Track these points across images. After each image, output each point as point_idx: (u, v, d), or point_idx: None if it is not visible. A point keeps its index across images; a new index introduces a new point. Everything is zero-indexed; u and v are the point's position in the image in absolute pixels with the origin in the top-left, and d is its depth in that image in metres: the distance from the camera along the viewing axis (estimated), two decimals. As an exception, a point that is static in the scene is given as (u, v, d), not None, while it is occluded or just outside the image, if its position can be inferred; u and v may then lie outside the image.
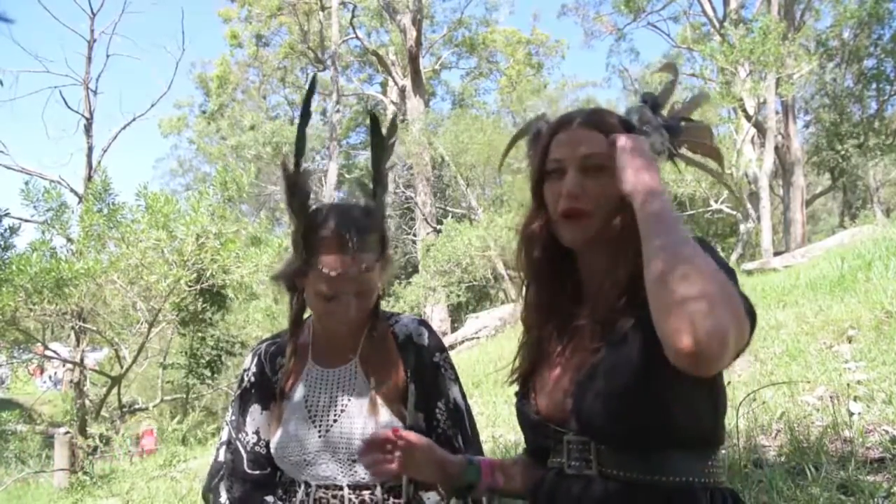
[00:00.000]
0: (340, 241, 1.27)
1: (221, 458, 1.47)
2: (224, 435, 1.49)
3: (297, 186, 1.32)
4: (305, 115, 1.39)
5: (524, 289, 1.16)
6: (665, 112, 1.10)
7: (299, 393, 1.41)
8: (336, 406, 1.38)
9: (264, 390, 1.45)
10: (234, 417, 1.47)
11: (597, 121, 1.06)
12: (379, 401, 1.36)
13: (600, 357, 0.99)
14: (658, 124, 1.06)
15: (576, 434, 1.02)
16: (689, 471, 0.96)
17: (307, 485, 1.38)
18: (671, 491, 0.95)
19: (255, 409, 1.44)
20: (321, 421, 1.37)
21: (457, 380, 1.45)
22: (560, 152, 1.06)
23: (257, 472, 1.42)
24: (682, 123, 1.09)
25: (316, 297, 1.33)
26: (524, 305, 1.17)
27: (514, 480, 1.20)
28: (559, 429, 1.04)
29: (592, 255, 1.07)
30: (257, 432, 1.43)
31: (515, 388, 1.17)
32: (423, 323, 1.47)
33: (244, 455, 1.42)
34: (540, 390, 1.10)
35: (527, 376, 1.14)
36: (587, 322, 1.04)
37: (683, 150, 1.10)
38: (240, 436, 1.44)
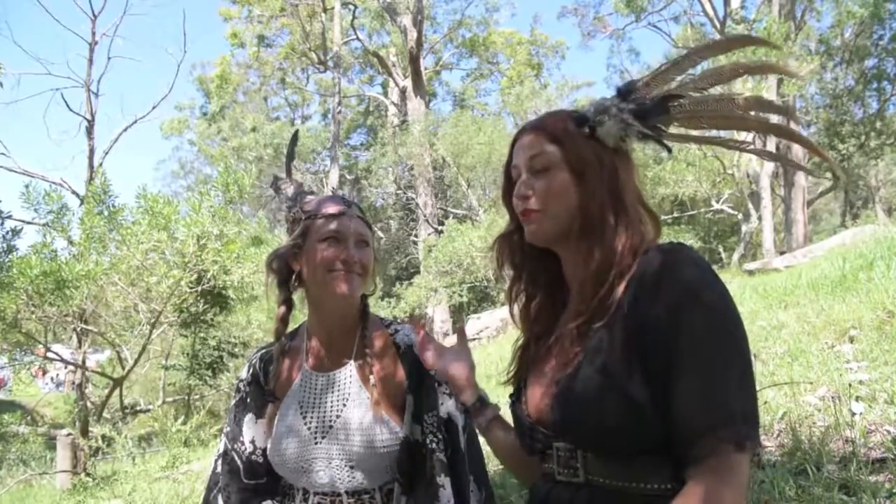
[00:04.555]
0: (335, 198, 1.43)
1: (219, 469, 1.46)
2: (221, 446, 1.48)
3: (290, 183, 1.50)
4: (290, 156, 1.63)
5: (510, 294, 1.18)
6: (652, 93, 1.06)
7: (294, 398, 1.40)
8: (332, 411, 1.37)
9: (259, 399, 1.44)
10: (229, 428, 1.46)
11: (542, 124, 1.09)
12: (377, 406, 1.35)
13: (577, 364, 0.98)
14: (617, 112, 1.04)
15: (563, 441, 1.01)
16: (675, 476, 0.93)
17: (305, 491, 1.37)
18: (658, 497, 0.93)
19: (250, 417, 1.43)
20: (318, 427, 1.36)
21: (453, 394, 1.42)
22: (516, 159, 1.10)
23: (254, 481, 1.41)
24: (671, 104, 1.04)
25: (321, 252, 1.35)
26: (514, 310, 1.19)
27: (507, 445, 1.19)
28: (549, 434, 1.04)
29: (568, 256, 1.08)
30: (253, 441, 1.42)
31: (510, 389, 1.17)
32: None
33: (240, 465, 1.41)
34: (529, 394, 1.10)
35: (519, 379, 1.14)
36: (569, 325, 1.03)
37: (674, 129, 1.06)
38: (236, 446, 1.43)
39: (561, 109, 1.13)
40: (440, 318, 18.21)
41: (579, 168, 1.04)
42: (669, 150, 1.11)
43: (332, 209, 1.39)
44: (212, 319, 9.66)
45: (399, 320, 1.51)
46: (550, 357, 1.08)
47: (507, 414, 1.21)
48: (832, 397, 3.10)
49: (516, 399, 1.13)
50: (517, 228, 1.12)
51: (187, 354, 11.11)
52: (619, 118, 1.04)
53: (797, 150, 17.59)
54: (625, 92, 1.07)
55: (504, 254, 1.17)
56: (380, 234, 23.31)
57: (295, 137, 1.67)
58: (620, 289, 0.97)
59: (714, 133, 1.11)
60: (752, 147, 1.18)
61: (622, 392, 0.92)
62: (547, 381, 1.05)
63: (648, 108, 1.04)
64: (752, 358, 0.94)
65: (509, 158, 1.13)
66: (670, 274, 0.93)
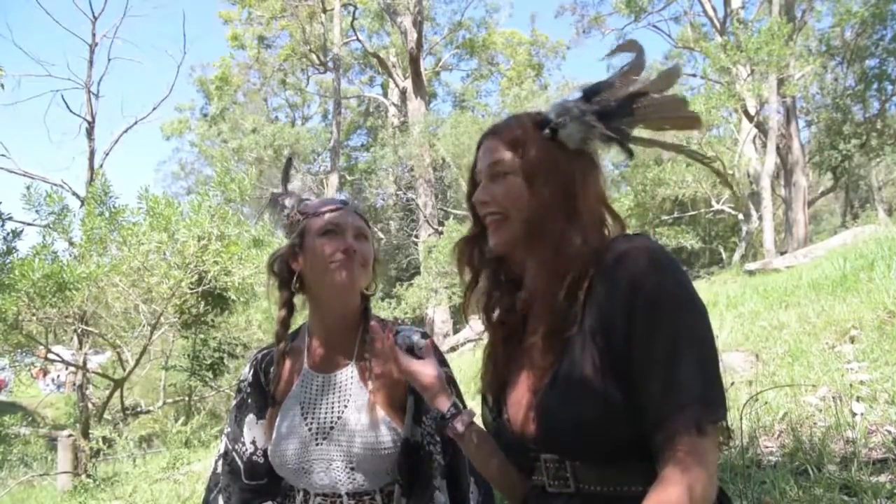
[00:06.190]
0: (332, 199, 1.46)
1: (219, 469, 1.46)
2: (221, 447, 1.48)
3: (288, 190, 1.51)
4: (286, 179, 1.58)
5: (466, 296, 1.18)
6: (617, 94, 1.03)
7: (295, 399, 1.39)
8: (333, 412, 1.36)
9: (260, 400, 1.44)
10: (230, 428, 1.46)
11: (501, 129, 1.09)
12: (377, 408, 1.35)
13: (552, 374, 0.97)
14: (579, 113, 1.02)
15: (549, 453, 1.01)
16: None
17: (305, 493, 1.37)
18: None
19: (251, 418, 1.43)
20: (318, 428, 1.35)
21: (453, 396, 1.42)
22: (478, 165, 1.11)
23: (255, 482, 1.41)
24: (635, 105, 1.02)
25: (320, 245, 1.36)
26: (484, 324, 1.17)
27: (483, 450, 1.16)
28: (534, 447, 1.03)
29: (529, 265, 1.08)
30: (254, 442, 1.42)
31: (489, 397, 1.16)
32: (425, 335, 1.46)
33: (241, 466, 1.41)
34: (511, 410, 1.08)
35: (498, 394, 1.12)
36: (538, 336, 1.02)
37: (637, 132, 1.05)
38: (237, 446, 1.43)
39: (525, 111, 1.13)
40: (440, 319, 18.21)
41: (530, 173, 1.04)
42: (631, 155, 1.07)
43: (329, 206, 1.42)
44: (212, 320, 9.65)
45: (400, 321, 1.51)
46: (524, 369, 1.06)
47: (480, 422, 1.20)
48: (833, 398, 3.10)
49: (497, 415, 1.11)
50: (481, 232, 1.13)
51: (188, 355, 11.10)
52: (581, 120, 1.02)
53: (797, 150, 17.59)
54: (590, 93, 1.05)
55: (465, 256, 1.17)
56: (380, 234, 23.29)
57: (289, 163, 1.63)
58: (582, 293, 0.96)
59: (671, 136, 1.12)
60: (690, 150, 1.22)
61: (599, 397, 0.91)
62: (525, 395, 1.04)
63: (612, 110, 1.02)
64: (715, 341, 0.92)
65: (474, 163, 1.14)
66: (622, 267, 0.92)
